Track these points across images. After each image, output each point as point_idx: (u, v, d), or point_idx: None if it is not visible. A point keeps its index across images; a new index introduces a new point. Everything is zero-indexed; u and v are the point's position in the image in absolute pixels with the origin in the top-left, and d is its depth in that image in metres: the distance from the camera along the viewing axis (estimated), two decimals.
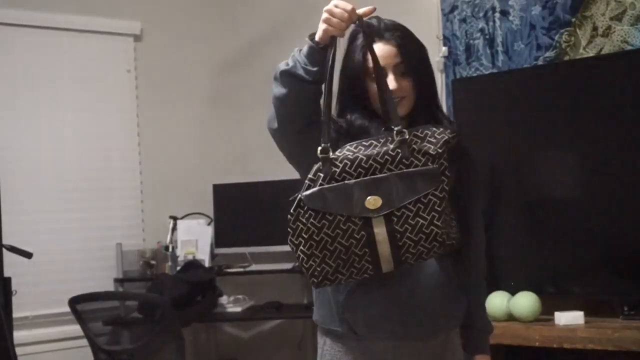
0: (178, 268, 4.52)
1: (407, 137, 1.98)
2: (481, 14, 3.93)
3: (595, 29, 3.59)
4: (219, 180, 4.77)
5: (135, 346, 3.99)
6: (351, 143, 2.02)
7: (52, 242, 4.42)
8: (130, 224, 4.80)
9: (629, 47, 3.48)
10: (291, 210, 2.00)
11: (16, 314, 3.99)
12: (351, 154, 1.99)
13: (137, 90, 4.88)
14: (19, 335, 3.98)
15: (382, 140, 2.00)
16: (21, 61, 4.48)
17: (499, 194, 3.62)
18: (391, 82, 2.14)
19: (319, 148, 1.99)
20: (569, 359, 3.37)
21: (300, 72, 2.02)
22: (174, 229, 4.69)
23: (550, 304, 3.37)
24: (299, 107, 2.08)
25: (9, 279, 3.96)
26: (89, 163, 4.67)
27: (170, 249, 4.63)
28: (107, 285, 4.55)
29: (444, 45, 4.05)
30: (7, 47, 4.44)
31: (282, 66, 2.07)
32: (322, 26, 2.01)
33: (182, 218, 4.74)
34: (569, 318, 3.26)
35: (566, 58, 3.66)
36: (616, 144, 3.37)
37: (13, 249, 3.80)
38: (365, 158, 1.97)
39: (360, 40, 2.18)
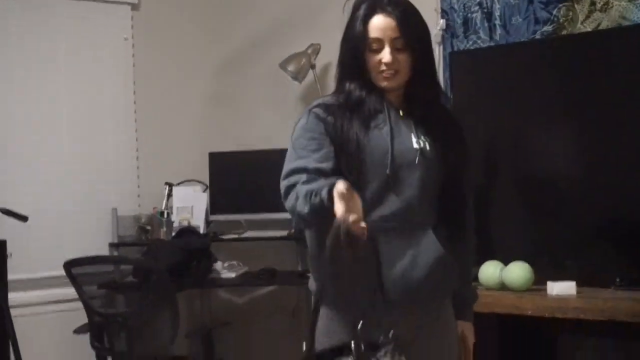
0: (173, 234, 4.54)
1: None
2: None
3: (593, 4, 3.58)
4: (215, 148, 4.77)
5: (130, 310, 4.02)
6: None
7: (48, 206, 4.43)
8: (126, 189, 4.80)
9: (627, 23, 3.48)
10: None
11: (11, 276, 4.03)
12: None
13: (134, 58, 4.87)
14: (14, 297, 3.99)
15: None
16: (18, 28, 4.45)
17: (496, 166, 3.63)
18: (386, 54, 2.20)
19: None
20: (560, 329, 3.40)
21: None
22: (170, 195, 4.71)
23: (542, 274, 3.37)
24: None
25: (4, 242, 3.99)
26: (85, 129, 4.66)
27: (166, 215, 4.65)
28: (102, 249, 4.55)
29: (442, 18, 4.04)
30: (3, 14, 4.41)
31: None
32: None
33: (177, 185, 4.76)
34: (562, 288, 3.26)
35: (564, 33, 3.65)
36: (612, 119, 3.37)
37: (8, 212, 3.81)
38: None
39: (362, 10, 2.24)
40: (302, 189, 2.09)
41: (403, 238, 2.15)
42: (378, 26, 2.20)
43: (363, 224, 1.88)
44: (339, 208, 1.89)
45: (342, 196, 1.89)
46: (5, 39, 4.40)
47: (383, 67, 2.20)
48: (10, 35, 4.42)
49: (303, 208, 2.07)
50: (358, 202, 1.92)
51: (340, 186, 1.90)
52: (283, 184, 2.17)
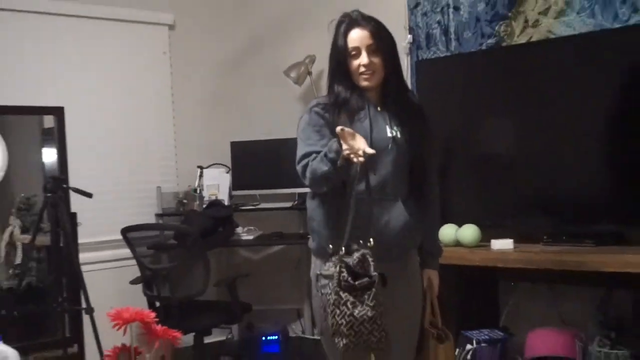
0: (204, 206, 4.55)
1: None
2: (438, 9, 3.92)
3: (526, 21, 3.58)
4: (235, 138, 4.78)
5: (172, 265, 4.04)
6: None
7: (108, 185, 4.44)
8: (167, 172, 4.81)
9: (553, 36, 3.48)
10: None
11: (81, 240, 4.06)
12: None
13: (171, 68, 4.86)
14: (83, 256, 4.03)
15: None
16: (78, 45, 4.43)
17: (452, 150, 3.63)
18: (363, 58, 2.22)
19: None
20: (501, 276, 3.44)
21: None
22: (201, 176, 4.71)
23: (487, 234, 3.41)
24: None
25: (74, 214, 4.03)
26: (134, 125, 4.66)
27: (198, 191, 4.66)
28: (150, 218, 4.58)
29: (410, 33, 4.03)
30: (69, 34, 4.40)
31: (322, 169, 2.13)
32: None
33: (207, 167, 4.76)
34: (502, 244, 3.30)
35: (504, 44, 3.66)
36: (541, 113, 3.37)
37: (77, 191, 3.84)
38: None
39: (342, 27, 2.27)
40: (314, 161, 2.14)
41: (379, 206, 2.18)
42: (355, 37, 2.23)
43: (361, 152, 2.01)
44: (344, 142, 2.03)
45: (344, 135, 2.02)
46: (72, 53, 4.39)
47: (362, 69, 2.23)
48: (74, 50, 4.42)
49: (320, 166, 2.11)
50: (358, 137, 2.04)
51: (338, 129, 2.03)
52: (299, 166, 2.21)
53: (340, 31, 2.26)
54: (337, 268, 2.01)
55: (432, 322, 2.44)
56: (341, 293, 1.99)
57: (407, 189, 2.28)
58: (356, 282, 2.00)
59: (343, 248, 2.04)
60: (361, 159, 2.01)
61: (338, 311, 1.98)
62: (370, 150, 2.02)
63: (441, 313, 2.47)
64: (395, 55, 2.30)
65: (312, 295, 2.34)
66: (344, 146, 2.02)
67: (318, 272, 2.17)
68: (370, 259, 2.02)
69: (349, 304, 1.99)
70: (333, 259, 2.07)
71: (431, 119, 2.40)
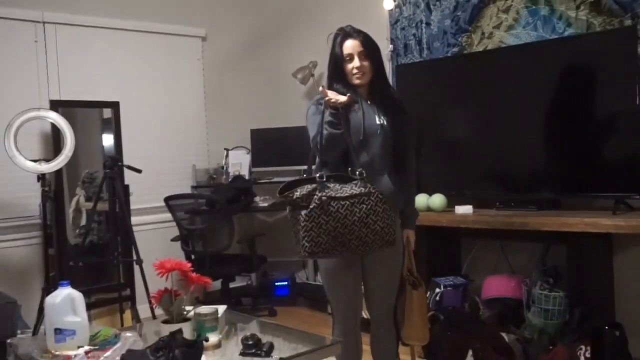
0: (229, 179, 4.54)
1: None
2: (414, 25, 3.87)
3: (483, 34, 3.54)
4: (254, 126, 4.74)
5: (204, 226, 4.03)
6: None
7: (153, 163, 4.42)
8: (200, 153, 4.78)
9: (504, 45, 3.44)
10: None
11: (132, 206, 4.04)
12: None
13: (203, 71, 4.82)
14: (134, 219, 3.99)
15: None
16: (131, 53, 4.41)
17: (425, 135, 3.59)
18: (356, 62, 2.21)
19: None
20: (463, 234, 3.42)
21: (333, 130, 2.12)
22: (227, 156, 4.69)
23: (452, 201, 3.39)
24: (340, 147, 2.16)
25: (127, 186, 4.00)
26: (175, 115, 4.63)
27: (225, 168, 4.64)
28: (186, 189, 4.57)
29: (391, 43, 3.99)
30: (123, 44, 4.37)
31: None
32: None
33: (232, 149, 4.73)
34: (464, 209, 3.28)
35: (465, 52, 3.62)
36: (494, 105, 3.34)
37: (129, 167, 3.81)
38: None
39: (339, 38, 2.25)
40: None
41: (371, 179, 2.14)
42: (349, 46, 2.21)
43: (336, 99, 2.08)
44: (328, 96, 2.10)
45: (325, 92, 2.09)
46: (124, 63, 4.36)
47: (355, 71, 2.20)
48: (127, 57, 4.38)
49: (325, 134, 2.11)
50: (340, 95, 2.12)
51: (320, 88, 2.11)
52: (313, 144, 2.18)
53: (337, 41, 2.24)
54: (370, 188, 2.05)
55: (410, 271, 2.41)
56: (386, 204, 2.06)
57: (392, 165, 2.26)
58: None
59: (363, 172, 2.08)
60: (340, 101, 2.07)
61: (387, 215, 2.06)
62: (344, 97, 2.09)
63: (416, 264, 2.44)
64: (380, 60, 2.28)
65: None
66: (327, 97, 2.07)
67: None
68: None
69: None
70: (349, 185, 2.07)
71: (409, 112, 2.36)
